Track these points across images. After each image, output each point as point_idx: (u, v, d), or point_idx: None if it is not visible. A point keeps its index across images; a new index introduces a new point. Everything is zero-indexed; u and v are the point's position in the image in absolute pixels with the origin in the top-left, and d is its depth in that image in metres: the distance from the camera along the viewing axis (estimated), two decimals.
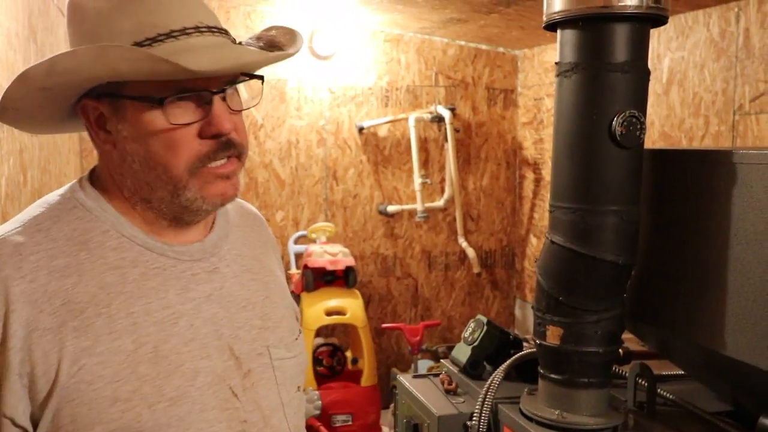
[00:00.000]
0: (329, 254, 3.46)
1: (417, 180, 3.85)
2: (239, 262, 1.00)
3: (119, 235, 0.89)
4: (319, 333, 3.56)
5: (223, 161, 0.89)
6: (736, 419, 1.43)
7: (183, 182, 0.88)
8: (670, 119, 2.88)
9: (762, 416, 1.28)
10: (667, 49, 2.88)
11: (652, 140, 2.94)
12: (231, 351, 0.93)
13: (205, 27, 0.87)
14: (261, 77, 0.94)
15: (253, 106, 0.98)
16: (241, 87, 0.93)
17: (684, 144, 2.81)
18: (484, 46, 4.05)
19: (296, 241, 3.81)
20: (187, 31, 0.85)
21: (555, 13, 1.42)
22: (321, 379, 3.48)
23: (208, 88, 0.87)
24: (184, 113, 0.86)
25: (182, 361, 0.88)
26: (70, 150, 2.63)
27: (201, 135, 0.87)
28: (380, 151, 3.97)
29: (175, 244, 0.93)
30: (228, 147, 0.89)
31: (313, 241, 3.66)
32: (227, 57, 0.86)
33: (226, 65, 0.86)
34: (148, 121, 0.85)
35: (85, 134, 0.94)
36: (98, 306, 0.85)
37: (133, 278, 0.88)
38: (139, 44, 0.83)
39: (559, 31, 1.45)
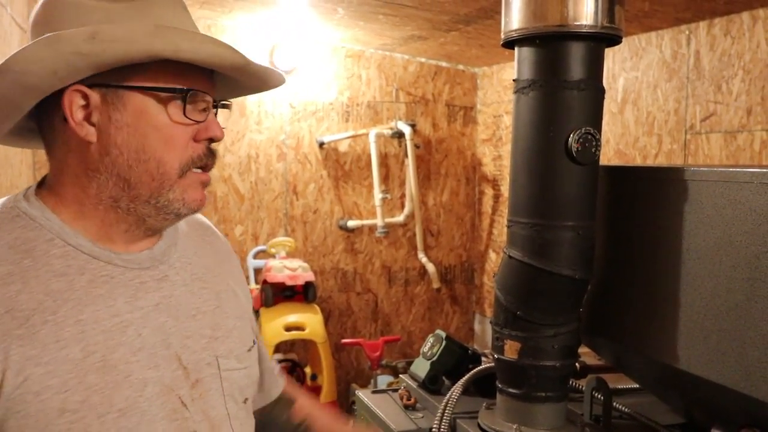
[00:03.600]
0: (289, 269, 3.44)
1: (377, 195, 3.85)
2: (189, 270, 0.98)
3: (64, 244, 0.86)
4: (278, 349, 3.52)
5: (201, 171, 0.92)
6: (689, 431, 1.46)
7: (171, 181, 0.88)
8: (625, 137, 2.94)
9: (713, 428, 1.31)
10: (621, 69, 2.95)
11: (608, 158, 2.99)
12: (179, 360, 0.91)
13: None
14: (230, 105, 0.99)
15: None
16: None
17: (638, 161, 2.87)
18: (444, 64, 4.10)
19: (255, 256, 3.78)
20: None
21: (513, 31, 1.44)
22: None
23: (210, 95, 0.90)
24: (191, 113, 0.88)
25: (131, 371, 0.85)
26: (23, 162, 2.56)
27: (195, 138, 0.89)
28: (341, 166, 3.97)
29: (122, 253, 0.90)
30: (213, 156, 0.92)
31: (273, 256, 3.63)
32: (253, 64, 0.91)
33: (261, 69, 0.92)
34: (154, 113, 0.86)
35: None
36: (44, 313, 0.82)
37: (80, 285, 0.85)
38: None
39: (516, 48, 1.48)
